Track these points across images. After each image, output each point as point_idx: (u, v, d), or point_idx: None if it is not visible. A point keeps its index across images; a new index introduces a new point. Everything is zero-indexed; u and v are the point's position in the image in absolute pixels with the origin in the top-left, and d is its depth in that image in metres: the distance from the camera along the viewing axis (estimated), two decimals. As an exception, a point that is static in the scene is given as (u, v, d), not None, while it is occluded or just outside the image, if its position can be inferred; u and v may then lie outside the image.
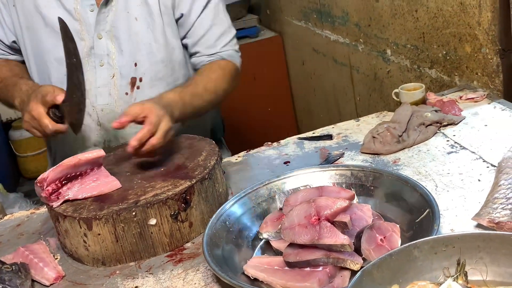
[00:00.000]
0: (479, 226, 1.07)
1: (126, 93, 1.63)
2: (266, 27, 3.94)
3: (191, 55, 1.72)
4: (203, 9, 1.67)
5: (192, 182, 1.22)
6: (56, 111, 1.41)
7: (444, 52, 1.89)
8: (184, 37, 1.69)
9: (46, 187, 1.21)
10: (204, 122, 1.84)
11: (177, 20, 1.67)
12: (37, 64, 1.66)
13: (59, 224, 1.22)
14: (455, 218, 1.13)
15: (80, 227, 1.18)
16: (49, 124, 1.39)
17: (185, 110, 1.50)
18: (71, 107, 1.41)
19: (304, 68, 3.47)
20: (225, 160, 1.56)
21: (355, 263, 0.97)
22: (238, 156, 1.59)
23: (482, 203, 1.13)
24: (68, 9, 1.59)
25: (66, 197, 1.23)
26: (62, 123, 1.42)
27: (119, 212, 1.16)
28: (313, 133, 1.65)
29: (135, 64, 1.62)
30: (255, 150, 1.61)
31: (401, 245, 0.99)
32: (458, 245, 0.89)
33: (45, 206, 1.40)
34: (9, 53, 1.72)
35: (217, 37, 1.69)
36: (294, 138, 1.64)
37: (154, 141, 1.29)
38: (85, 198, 1.24)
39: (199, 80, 1.60)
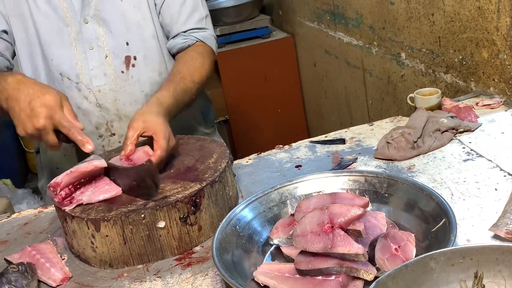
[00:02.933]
0: (496, 237, 1.04)
1: (122, 72, 1.65)
2: (278, 27, 3.92)
3: (167, 36, 1.72)
4: None
5: (202, 185, 1.20)
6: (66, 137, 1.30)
7: (460, 57, 1.86)
8: (159, 14, 1.70)
9: (60, 191, 1.19)
10: (193, 106, 1.83)
11: None
12: (28, 53, 1.65)
13: (66, 224, 1.21)
14: (471, 228, 1.10)
15: (88, 228, 1.16)
16: (54, 145, 1.30)
17: (178, 109, 1.51)
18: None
19: (316, 70, 3.44)
20: (235, 162, 1.54)
21: (368, 273, 0.94)
22: (249, 159, 1.57)
23: (499, 213, 1.11)
24: None
25: (79, 202, 1.21)
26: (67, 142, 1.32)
27: (127, 214, 1.14)
28: (326, 136, 1.63)
29: (127, 43, 1.64)
30: (266, 153, 1.59)
31: (415, 255, 0.97)
32: (476, 257, 0.86)
33: (53, 205, 1.38)
34: None
35: (190, 12, 1.69)
36: (306, 141, 1.62)
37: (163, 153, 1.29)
38: (99, 202, 1.21)
39: (185, 72, 1.58)
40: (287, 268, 1.01)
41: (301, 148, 1.58)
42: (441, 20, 1.91)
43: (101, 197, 1.22)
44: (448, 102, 1.64)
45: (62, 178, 1.20)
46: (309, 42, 3.45)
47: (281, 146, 1.61)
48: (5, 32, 1.64)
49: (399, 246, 0.98)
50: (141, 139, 1.34)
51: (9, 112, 1.32)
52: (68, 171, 1.21)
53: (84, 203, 1.21)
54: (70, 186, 1.21)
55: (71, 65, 1.63)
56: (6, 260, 1.23)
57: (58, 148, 1.31)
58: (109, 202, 1.20)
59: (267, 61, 3.65)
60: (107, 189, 1.23)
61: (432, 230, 1.03)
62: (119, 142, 1.67)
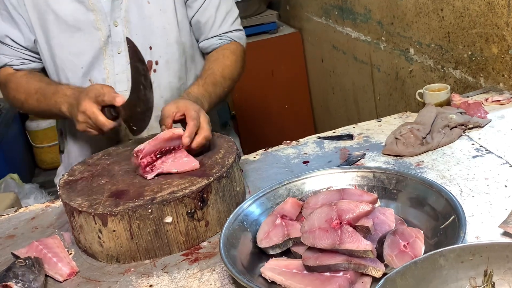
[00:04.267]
0: (506, 234, 1.04)
1: None
2: (285, 23, 3.90)
3: (199, 37, 1.74)
4: None
5: (210, 180, 1.20)
6: (111, 110, 1.40)
7: (470, 53, 1.84)
8: (193, 17, 1.70)
9: (141, 158, 1.25)
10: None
11: (186, 1, 1.68)
12: (53, 61, 1.64)
13: (73, 219, 1.20)
14: (481, 225, 1.09)
15: (95, 223, 1.16)
16: (106, 122, 1.38)
17: (211, 100, 1.55)
18: (131, 113, 1.40)
19: (323, 65, 3.43)
20: (242, 158, 1.53)
21: (377, 269, 0.93)
22: (256, 154, 1.57)
23: (509, 210, 1.10)
24: (80, 0, 1.57)
25: (159, 170, 1.26)
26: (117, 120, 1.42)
27: (135, 209, 1.14)
28: (333, 132, 1.62)
29: (150, 48, 1.63)
30: (274, 148, 1.58)
31: (424, 252, 0.96)
32: (485, 254, 0.85)
33: (60, 200, 1.38)
34: (27, 59, 1.66)
35: (225, 15, 1.72)
36: (313, 137, 1.61)
37: (206, 133, 1.33)
38: (177, 173, 1.25)
39: (215, 68, 1.63)
40: (295, 264, 1.00)
41: (309, 144, 1.57)
42: (450, 15, 1.90)
43: (180, 168, 1.26)
44: (457, 98, 1.62)
45: (144, 146, 1.26)
46: (316, 37, 3.44)
47: (288, 141, 1.60)
48: (35, 41, 1.64)
49: (407, 243, 0.97)
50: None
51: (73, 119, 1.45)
52: (150, 140, 1.28)
53: (164, 172, 1.26)
54: (152, 155, 1.27)
55: (100, 70, 1.62)
56: (13, 254, 1.23)
57: (112, 126, 1.39)
58: (116, 196, 1.20)
59: (274, 56, 3.64)
60: (185, 162, 1.28)
61: (441, 227, 1.03)
62: None
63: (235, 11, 1.76)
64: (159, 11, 1.62)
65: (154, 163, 1.27)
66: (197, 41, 1.75)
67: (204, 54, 1.77)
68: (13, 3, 1.59)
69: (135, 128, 1.43)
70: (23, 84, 1.63)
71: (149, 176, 1.25)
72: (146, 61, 1.61)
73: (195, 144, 1.31)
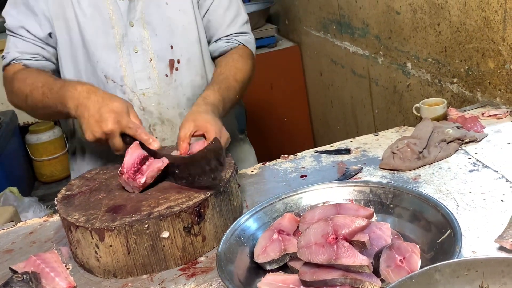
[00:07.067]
0: (501, 248, 1.04)
1: (166, 75, 1.66)
2: (284, 37, 3.92)
3: (210, 39, 1.75)
4: None
5: (207, 195, 1.20)
6: (132, 140, 1.37)
7: (466, 67, 1.85)
8: (203, 16, 1.72)
9: (127, 171, 1.26)
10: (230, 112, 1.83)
11: (198, 1, 1.70)
12: (71, 56, 1.65)
13: (71, 234, 1.21)
14: (477, 239, 1.09)
15: (92, 238, 1.16)
16: (121, 149, 1.36)
17: (225, 106, 1.54)
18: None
19: (322, 79, 3.45)
20: (240, 172, 1.54)
21: (373, 284, 0.93)
22: (254, 168, 1.57)
23: (505, 225, 1.10)
24: None
25: (149, 171, 1.28)
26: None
27: (131, 223, 1.14)
28: (331, 146, 1.62)
29: (171, 47, 1.65)
30: (271, 162, 1.59)
31: (420, 266, 0.96)
32: (481, 269, 0.85)
33: (58, 214, 1.38)
34: (39, 53, 1.65)
35: (233, 17, 1.74)
36: (311, 151, 1.62)
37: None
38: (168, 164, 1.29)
39: (227, 72, 1.63)
40: (292, 279, 1.00)
41: (306, 158, 1.58)
42: (447, 30, 1.91)
43: (160, 165, 1.29)
44: (454, 112, 1.63)
45: (124, 160, 1.28)
46: (315, 51, 3.46)
47: (286, 155, 1.61)
48: (50, 35, 1.65)
49: (404, 258, 0.97)
50: (193, 139, 1.38)
51: (78, 119, 1.40)
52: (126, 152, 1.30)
53: (155, 171, 1.28)
54: (134, 164, 1.28)
55: (116, 68, 1.63)
56: (11, 269, 1.23)
57: (123, 152, 1.36)
58: (113, 211, 1.20)
59: (273, 70, 3.65)
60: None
61: (437, 241, 1.03)
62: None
63: (244, 15, 1.77)
64: (179, 11, 1.65)
65: (141, 168, 1.28)
66: (208, 43, 1.76)
67: (212, 58, 1.77)
68: None
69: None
70: (32, 76, 1.57)
71: (142, 180, 1.26)
72: (168, 60, 1.65)
73: None
